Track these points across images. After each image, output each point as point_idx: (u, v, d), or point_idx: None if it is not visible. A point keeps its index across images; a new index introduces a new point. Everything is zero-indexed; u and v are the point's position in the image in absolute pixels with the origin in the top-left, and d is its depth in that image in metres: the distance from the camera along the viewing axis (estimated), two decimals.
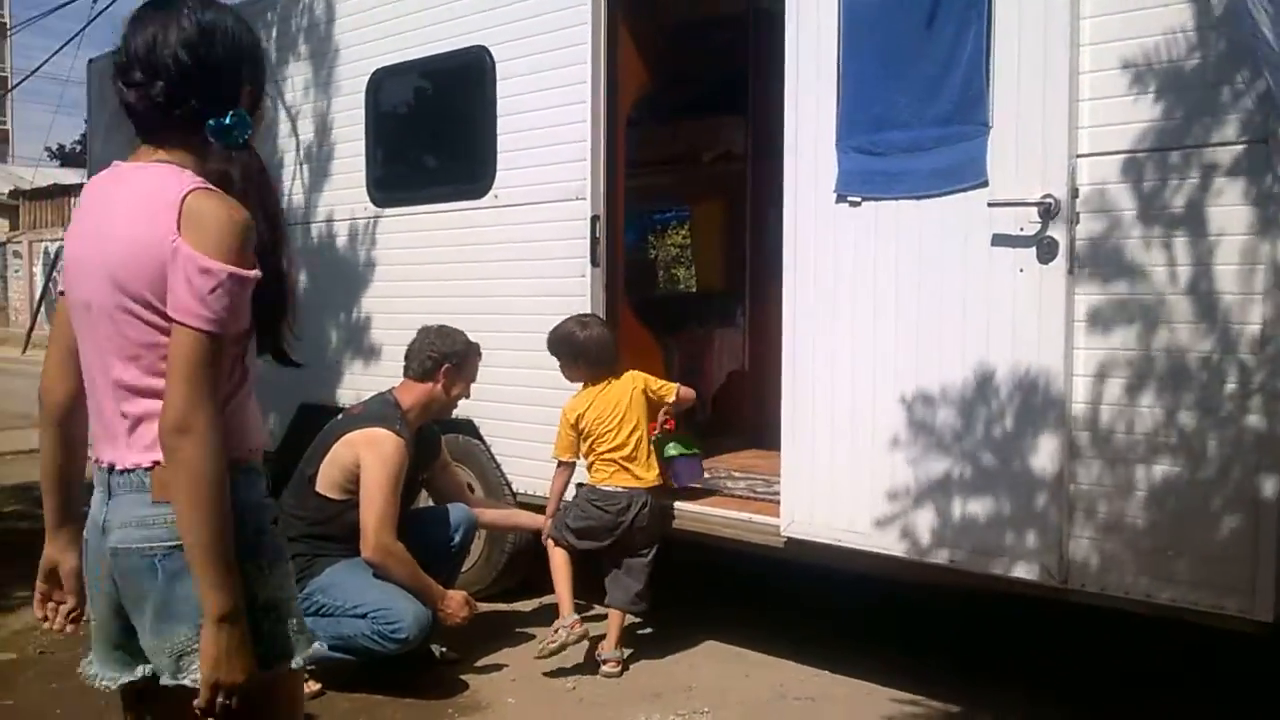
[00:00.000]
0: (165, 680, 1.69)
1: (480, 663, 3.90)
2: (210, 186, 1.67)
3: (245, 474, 1.73)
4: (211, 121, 1.70)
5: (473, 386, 4.05)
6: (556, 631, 3.76)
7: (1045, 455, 3.04)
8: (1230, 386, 2.79)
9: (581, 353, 3.96)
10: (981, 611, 4.41)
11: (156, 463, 1.65)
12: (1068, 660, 3.99)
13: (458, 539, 3.98)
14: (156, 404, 1.63)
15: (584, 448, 3.98)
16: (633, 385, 4.01)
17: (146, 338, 1.65)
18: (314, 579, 3.66)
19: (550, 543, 3.99)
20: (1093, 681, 3.78)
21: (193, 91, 1.70)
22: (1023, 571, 3.09)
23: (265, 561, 1.72)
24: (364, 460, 3.65)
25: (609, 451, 3.93)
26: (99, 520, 1.72)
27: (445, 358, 3.88)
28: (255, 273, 1.64)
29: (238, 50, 1.76)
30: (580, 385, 4.06)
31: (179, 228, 1.61)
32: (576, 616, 3.82)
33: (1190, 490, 2.85)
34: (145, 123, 1.74)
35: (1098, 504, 3.00)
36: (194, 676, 1.64)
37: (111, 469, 1.71)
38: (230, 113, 1.71)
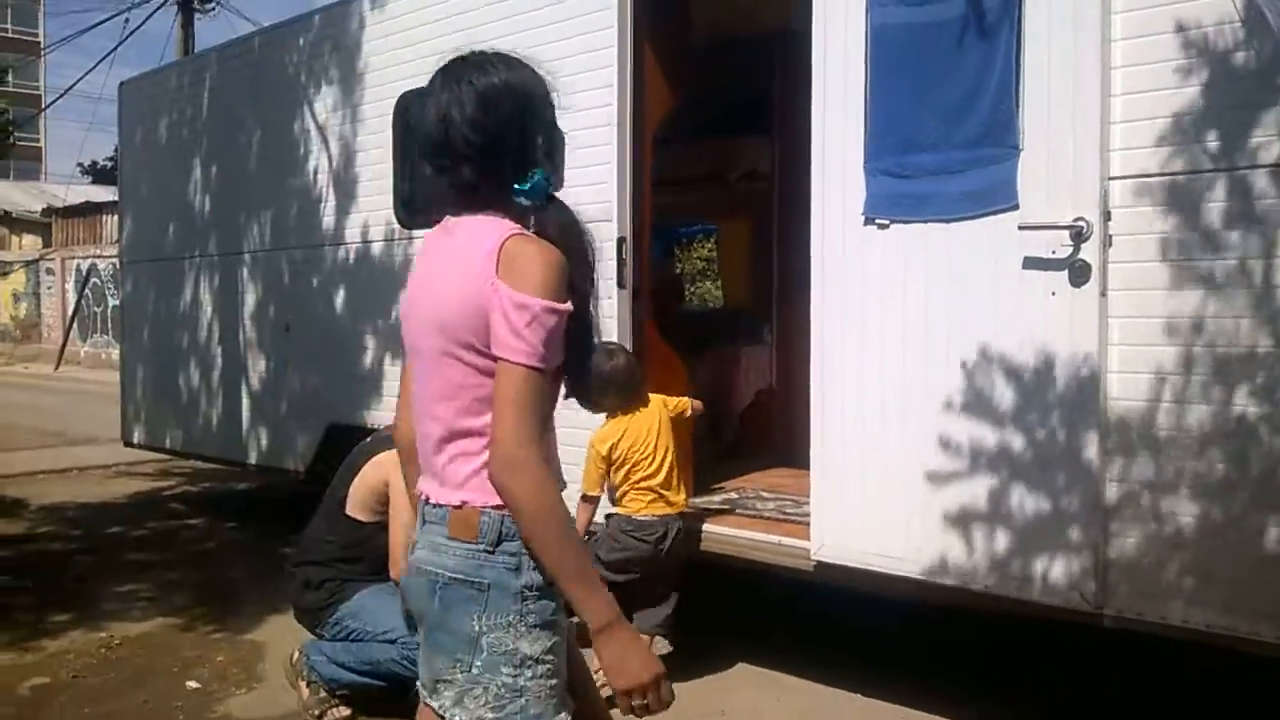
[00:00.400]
0: (424, 696, 1.81)
1: None
2: (525, 232, 1.76)
3: None
4: (516, 187, 1.78)
5: None
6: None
7: (1080, 481, 3.01)
8: (1269, 411, 2.75)
9: (610, 383, 3.85)
10: (1016, 634, 4.37)
11: (463, 503, 1.77)
12: (1099, 683, 3.94)
13: None
14: (468, 444, 1.75)
15: (617, 477, 3.90)
16: (660, 409, 3.98)
17: (464, 379, 1.75)
18: (344, 604, 3.67)
19: None
20: (1126, 704, 3.73)
21: (492, 169, 1.79)
22: (1058, 598, 3.06)
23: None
24: (392, 481, 3.66)
25: (645, 480, 3.87)
26: (412, 539, 1.88)
27: None
28: (567, 305, 1.72)
29: (520, 108, 1.83)
30: (604, 416, 3.98)
31: (497, 271, 1.70)
32: None
33: (1226, 517, 2.81)
34: (460, 199, 1.84)
35: (1133, 529, 2.96)
36: (441, 703, 1.75)
37: (426, 500, 1.85)
38: (530, 174, 1.79)
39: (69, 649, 4.32)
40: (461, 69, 1.83)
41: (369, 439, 3.99)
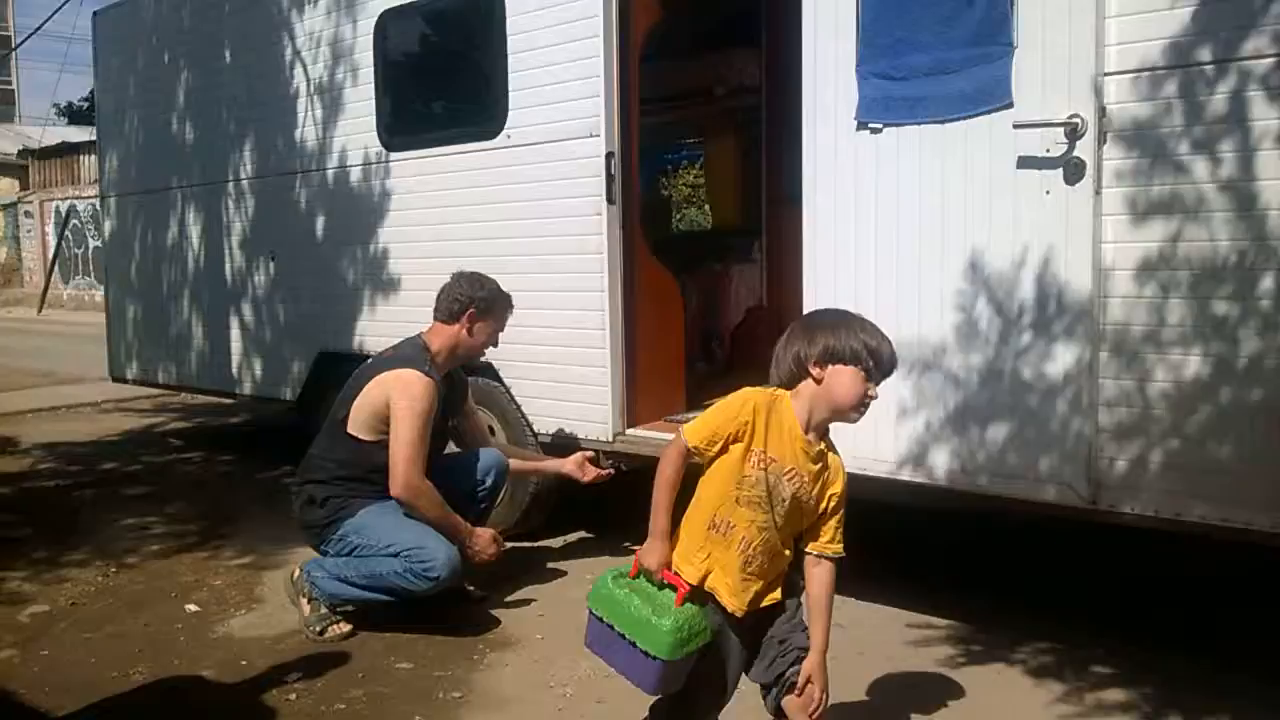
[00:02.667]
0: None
1: (508, 600, 3.93)
2: None
3: None
4: None
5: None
6: None
7: (1073, 376, 3.02)
8: (1261, 303, 2.75)
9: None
10: (1010, 534, 4.43)
11: None
12: (1096, 578, 4.00)
13: (489, 482, 3.98)
14: None
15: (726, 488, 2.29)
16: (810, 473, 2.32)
17: None
18: (348, 520, 3.69)
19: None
20: (1116, 600, 3.79)
21: None
22: (1052, 494, 3.08)
23: None
24: (394, 400, 3.67)
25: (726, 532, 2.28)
26: None
27: (471, 302, 3.86)
28: None
29: None
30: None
31: None
32: None
33: (1220, 408, 2.83)
34: None
35: (1126, 424, 2.98)
36: None
37: None
38: None
39: (67, 578, 4.34)
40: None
41: (370, 360, 3.97)
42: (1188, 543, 3.12)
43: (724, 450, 2.27)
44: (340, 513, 3.70)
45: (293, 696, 3.20)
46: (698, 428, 2.28)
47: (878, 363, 2.23)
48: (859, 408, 2.26)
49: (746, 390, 2.31)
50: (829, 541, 2.36)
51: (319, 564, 3.72)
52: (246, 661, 3.48)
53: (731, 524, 2.27)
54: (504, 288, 3.99)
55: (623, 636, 2.28)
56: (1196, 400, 2.86)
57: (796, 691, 2.29)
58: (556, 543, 4.66)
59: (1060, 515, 3.17)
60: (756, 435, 2.25)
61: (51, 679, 3.37)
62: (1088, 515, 3.08)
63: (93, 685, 3.30)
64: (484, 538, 3.77)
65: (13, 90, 45.47)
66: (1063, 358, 3.03)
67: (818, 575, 2.36)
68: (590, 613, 2.38)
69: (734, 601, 2.29)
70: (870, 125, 3.35)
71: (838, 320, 2.29)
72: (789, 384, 2.29)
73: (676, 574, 2.29)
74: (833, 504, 2.35)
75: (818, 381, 2.24)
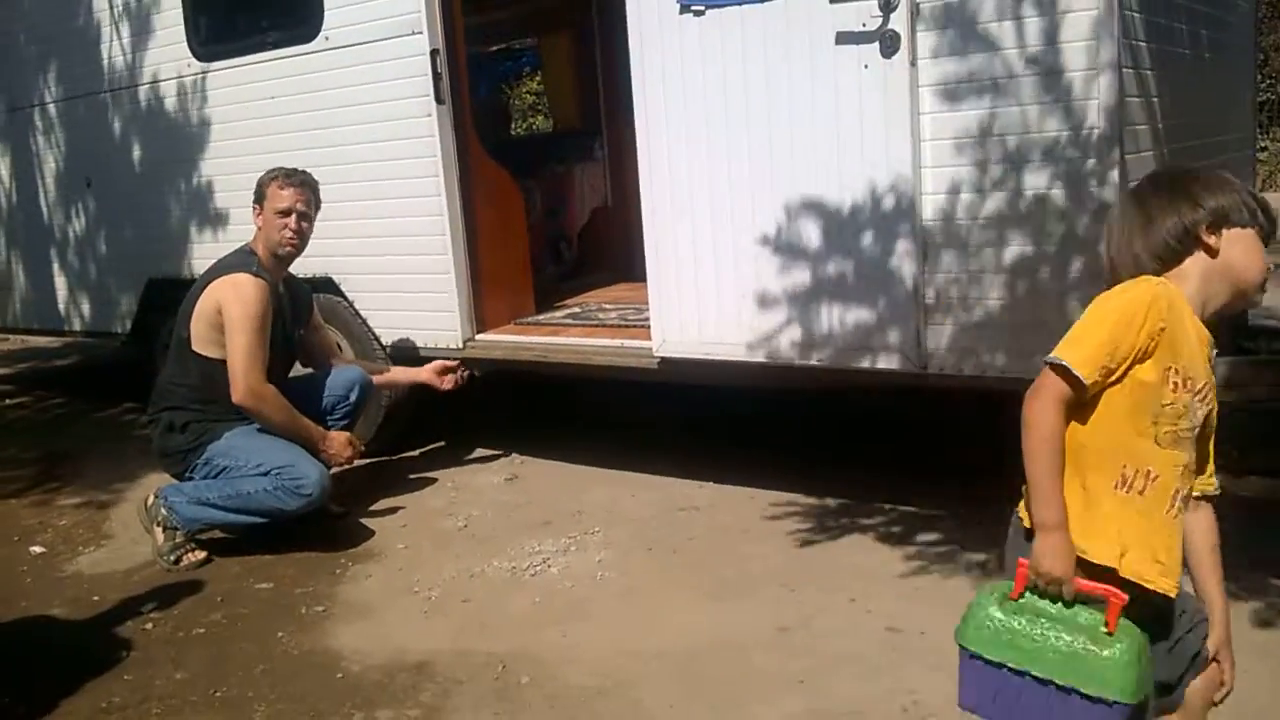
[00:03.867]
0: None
1: (368, 514, 3.90)
2: None
3: None
4: None
5: (328, 241, 3.92)
6: None
7: (899, 249, 3.12)
8: (1074, 164, 2.88)
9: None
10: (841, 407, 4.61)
11: None
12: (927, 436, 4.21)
13: (352, 398, 3.92)
14: None
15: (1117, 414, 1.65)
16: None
17: None
18: (213, 443, 3.59)
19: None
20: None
21: None
22: (885, 363, 3.20)
23: None
24: (225, 306, 3.56)
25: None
26: None
27: (254, 199, 3.78)
28: None
29: None
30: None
31: None
32: None
33: (1039, 269, 2.97)
34: None
35: (951, 292, 3.10)
36: None
37: None
38: None
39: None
40: None
41: (202, 276, 3.80)
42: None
43: (1123, 375, 1.60)
44: (203, 436, 3.60)
45: (149, 626, 3.13)
46: (1085, 352, 1.58)
47: (1273, 224, 1.70)
48: (1263, 284, 1.69)
49: (1136, 283, 1.64)
50: (1209, 476, 1.77)
51: (176, 489, 3.61)
52: (99, 597, 3.38)
53: (1154, 474, 1.61)
54: (331, 197, 3.86)
55: (1049, 683, 1.58)
56: (1018, 263, 2.99)
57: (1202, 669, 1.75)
58: (415, 453, 4.63)
59: (896, 382, 3.31)
60: (1173, 346, 1.60)
61: None
62: (920, 380, 3.22)
63: None
64: (338, 440, 3.73)
65: None
66: (888, 232, 3.12)
67: (1201, 521, 1.77)
68: (970, 659, 1.66)
69: (1167, 581, 1.62)
70: (693, 7, 3.33)
71: (1210, 176, 1.70)
72: (1166, 264, 1.66)
73: (1099, 581, 1.59)
74: (1214, 424, 1.73)
75: (1213, 254, 1.64)
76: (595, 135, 5.80)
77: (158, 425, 3.69)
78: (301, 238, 3.78)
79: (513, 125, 9.13)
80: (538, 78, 10.24)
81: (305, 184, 3.78)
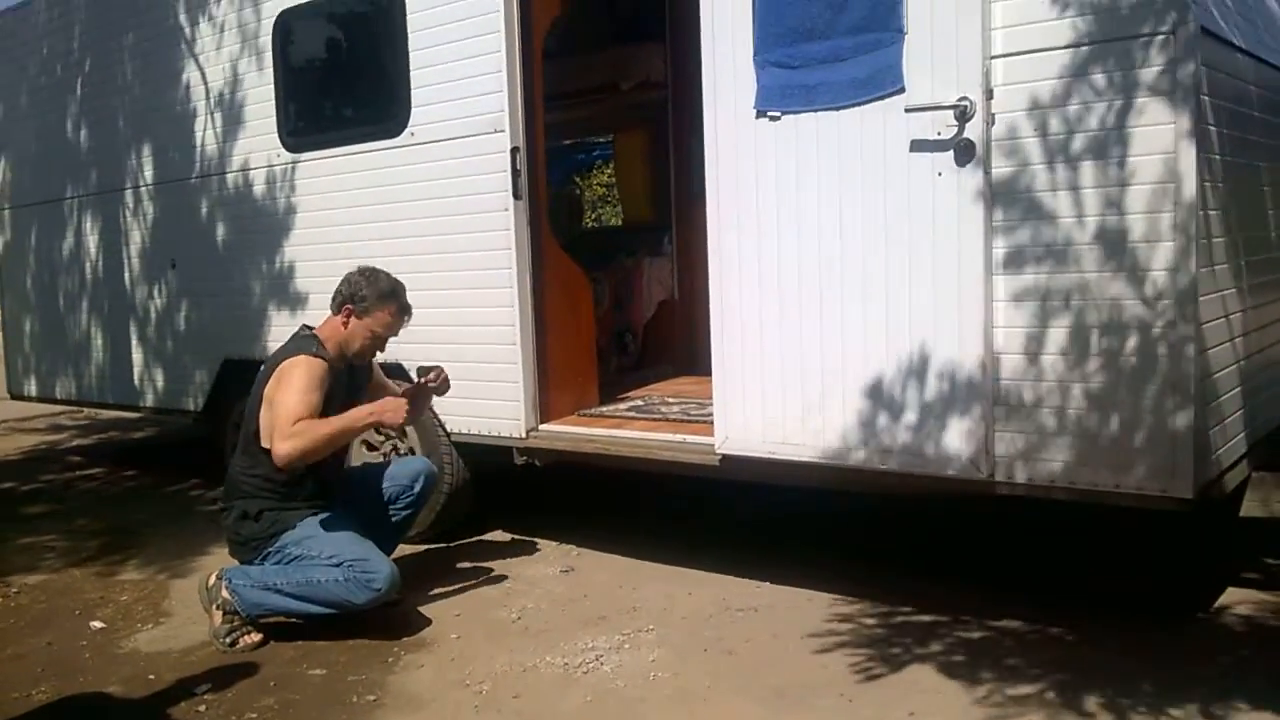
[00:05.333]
0: None
1: (423, 602, 3.89)
2: None
3: None
4: None
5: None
6: None
7: (968, 355, 3.08)
8: (1151, 275, 2.84)
9: None
10: (919, 515, 4.52)
11: None
12: (1009, 557, 4.10)
13: (417, 489, 3.94)
14: None
15: None
16: None
17: None
18: (287, 532, 3.62)
19: None
20: (1031, 574, 3.89)
21: None
22: (951, 469, 3.15)
23: None
24: (280, 382, 3.59)
25: None
26: None
27: (348, 299, 3.75)
28: None
29: None
30: None
31: None
32: None
33: (1110, 381, 2.92)
34: None
35: (1021, 399, 3.05)
36: None
37: None
38: None
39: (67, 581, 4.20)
40: None
41: (263, 366, 3.87)
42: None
43: None
44: (278, 524, 3.63)
45: (202, 708, 3.12)
46: None
47: None
48: None
49: None
50: None
51: (242, 573, 3.62)
52: (154, 676, 3.39)
53: None
54: (405, 289, 3.86)
55: None
56: (1089, 373, 2.95)
57: None
58: (471, 541, 4.63)
59: (961, 491, 3.24)
60: None
61: None
62: (988, 489, 3.15)
63: None
64: (392, 403, 3.66)
65: None
66: (958, 335, 3.09)
67: None
68: None
69: None
70: (769, 113, 3.39)
71: None
72: None
73: None
74: None
75: None
76: (664, 230, 5.87)
77: (231, 513, 3.71)
78: (377, 352, 3.89)
79: (585, 217, 9.30)
80: (608, 171, 10.46)
81: (410, 314, 3.83)
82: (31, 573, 4.50)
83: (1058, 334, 2.99)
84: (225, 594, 3.56)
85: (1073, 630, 3.29)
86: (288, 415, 3.51)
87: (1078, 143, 2.91)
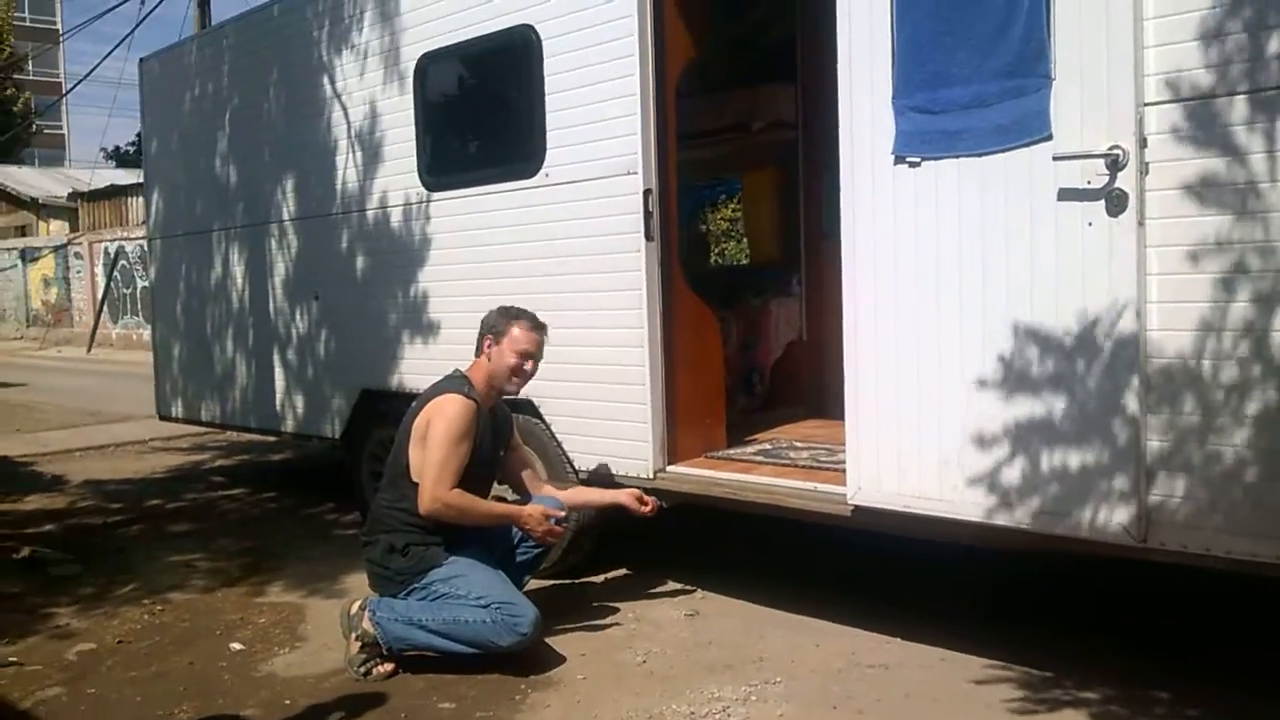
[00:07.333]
0: None
1: (550, 640, 3.91)
2: None
3: None
4: None
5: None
6: None
7: (1120, 413, 2.96)
8: None
9: None
10: (1050, 573, 4.35)
11: None
12: (1149, 618, 3.92)
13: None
14: None
15: None
16: None
17: None
18: (436, 568, 3.71)
19: None
20: (1167, 638, 3.70)
21: None
22: (1100, 532, 3.02)
23: None
24: (431, 421, 3.70)
25: None
26: None
27: (486, 330, 3.93)
28: None
29: None
30: None
31: None
32: None
33: (1269, 446, 2.76)
34: None
35: (1175, 461, 2.92)
36: None
37: None
38: None
39: (114, 615, 4.39)
40: None
41: (414, 403, 3.96)
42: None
43: None
44: (424, 562, 3.72)
45: None
46: None
47: None
48: None
49: None
50: None
51: (387, 605, 3.70)
52: (290, 701, 3.49)
53: None
54: (535, 316, 3.99)
55: None
56: (1247, 436, 2.80)
57: None
58: (597, 579, 4.64)
59: (1112, 555, 3.11)
60: None
61: (98, 717, 3.40)
62: (1139, 555, 3.02)
63: None
64: (535, 514, 3.82)
65: (63, 135, 46.63)
66: (1109, 393, 2.97)
67: None
68: None
69: None
70: (908, 159, 3.34)
71: None
72: None
73: None
74: None
75: None
76: (793, 270, 5.84)
77: (377, 547, 3.81)
78: (527, 380, 3.94)
79: (709, 251, 9.31)
80: (731, 206, 10.46)
81: (544, 329, 3.96)
82: (175, 591, 4.70)
83: (1217, 394, 2.85)
84: (367, 625, 3.65)
85: (1228, 698, 3.13)
86: (437, 472, 3.65)
87: (1242, 194, 2.78)
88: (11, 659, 3.90)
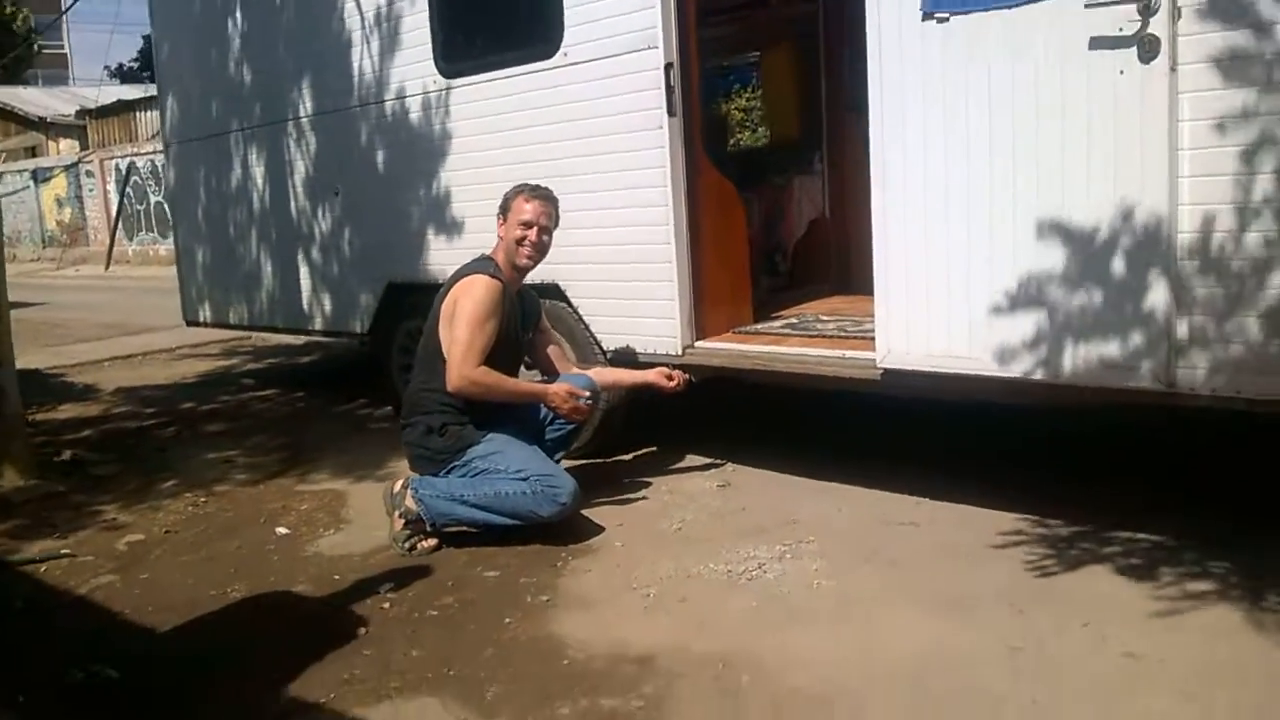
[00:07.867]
0: None
1: (585, 514, 4.00)
2: None
3: None
4: None
5: (556, 249, 4.04)
6: None
7: (1150, 262, 2.97)
8: None
9: None
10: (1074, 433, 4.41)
11: None
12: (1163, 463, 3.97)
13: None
14: None
15: None
16: None
17: None
18: (474, 447, 3.78)
19: None
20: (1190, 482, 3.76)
21: None
22: (1129, 380, 3.05)
23: None
24: (458, 300, 3.75)
25: None
26: None
27: (499, 211, 3.98)
28: None
29: None
30: None
31: None
32: None
33: None
34: None
35: (1205, 308, 2.93)
36: None
37: None
38: None
39: (159, 508, 4.50)
40: None
41: (443, 287, 3.98)
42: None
43: None
44: (462, 440, 3.79)
45: (386, 605, 3.31)
46: None
47: None
48: None
49: None
50: None
51: (429, 484, 3.78)
52: (339, 576, 3.60)
53: None
54: (564, 206, 4.01)
55: None
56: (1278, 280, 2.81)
57: None
58: (628, 457, 4.73)
59: (1141, 401, 3.14)
60: None
61: (153, 599, 3.51)
62: (1167, 400, 3.05)
63: (194, 603, 3.44)
64: (559, 392, 3.87)
65: (65, 54, 46.04)
66: (1139, 243, 2.97)
67: None
68: None
69: None
70: (936, 15, 3.28)
71: None
72: None
73: None
74: None
75: None
76: (815, 148, 5.79)
77: (415, 429, 3.87)
78: (540, 250, 3.94)
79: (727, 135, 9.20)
80: (745, 95, 10.31)
81: (548, 199, 3.96)
82: (217, 484, 4.81)
83: (1251, 239, 2.84)
84: (410, 503, 3.74)
85: (1257, 535, 3.20)
86: (464, 350, 3.70)
87: (1272, 38, 2.74)
88: (64, 550, 4.02)
